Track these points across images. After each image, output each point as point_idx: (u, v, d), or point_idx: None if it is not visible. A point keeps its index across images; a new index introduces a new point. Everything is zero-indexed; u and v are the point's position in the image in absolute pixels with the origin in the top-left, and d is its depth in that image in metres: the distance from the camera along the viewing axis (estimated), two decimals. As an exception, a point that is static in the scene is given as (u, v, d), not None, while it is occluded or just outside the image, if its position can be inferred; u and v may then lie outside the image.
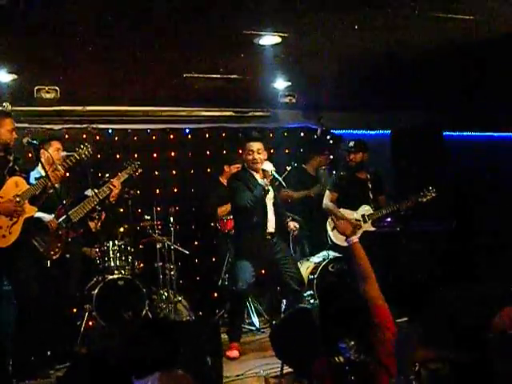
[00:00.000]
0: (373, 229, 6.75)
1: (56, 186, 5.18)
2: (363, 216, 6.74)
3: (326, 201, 6.90)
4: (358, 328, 3.06)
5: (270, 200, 5.98)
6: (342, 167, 7.19)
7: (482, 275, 5.97)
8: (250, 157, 5.92)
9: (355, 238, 3.75)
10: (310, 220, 7.51)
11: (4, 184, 5.01)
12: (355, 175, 6.86)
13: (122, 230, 6.82)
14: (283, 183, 6.17)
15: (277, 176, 5.99)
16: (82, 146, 5.67)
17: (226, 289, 6.95)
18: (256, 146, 5.94)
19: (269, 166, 5.84)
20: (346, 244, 6.70)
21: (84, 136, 7.46)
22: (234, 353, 5.75)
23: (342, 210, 6.79)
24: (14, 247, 4.97)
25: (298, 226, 6.37)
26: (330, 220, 6.89)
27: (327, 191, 6.99)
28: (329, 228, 6.92)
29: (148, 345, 2.96)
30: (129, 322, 5.85)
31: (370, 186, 6.77)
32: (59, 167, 5.42)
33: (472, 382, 4.20)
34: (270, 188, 5.89)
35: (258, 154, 5.90)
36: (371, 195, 6.79)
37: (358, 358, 2.79)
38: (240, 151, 7.86)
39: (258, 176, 5.91)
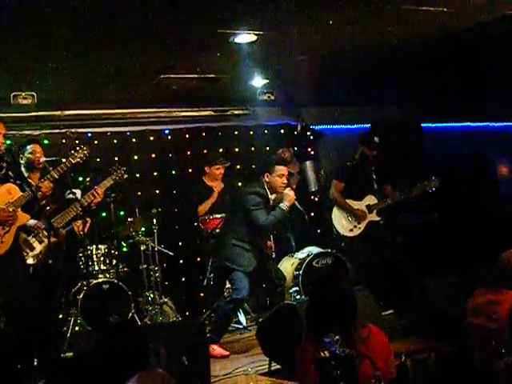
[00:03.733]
0: (378, 219, 6.82)
1: (47, 194, 5.07)
2: (368, 206, 6.79)
3: (333, 190, 6.92)
4: (344, 322, 3.08)
5: None
6: (351, 159, 7.14)
7: (465, 266, 6.01)
8: (280, 180, 5.96)
9: None
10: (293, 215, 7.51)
11: None
12: (362, 167, 6.88)
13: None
14: (304, 212, 6.54)
15: (298, 205, 6.27)
16: (77, 149, 5.51)
17: (212, 290, 6.97)
18: (286, 170, 6.04)
19: (292, 193, 5.95)
20: (351, 234, 6.81)
21: (63, 141, 7.41)
22: (218, 350, 5.76)
23: (347, 200, 6.83)
24: (5, 257, 4.82)
25: None
26: (334, 210, 6.89)
27: (334, 181, 7.00)
28: (334, 218, 6.91)
29: (116, 349, 2.93)
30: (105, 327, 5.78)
31: (375, 176, 6.82)
32: (53, 173, 5.25)
33: (455, 371, 4.25)
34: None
35: (287, 178, 6.03)
36: (375, 185, 6.84)
37: (344, 353, 2.79)
38: (220, 150, 7.96)
39: (271, 197, 5.98)
